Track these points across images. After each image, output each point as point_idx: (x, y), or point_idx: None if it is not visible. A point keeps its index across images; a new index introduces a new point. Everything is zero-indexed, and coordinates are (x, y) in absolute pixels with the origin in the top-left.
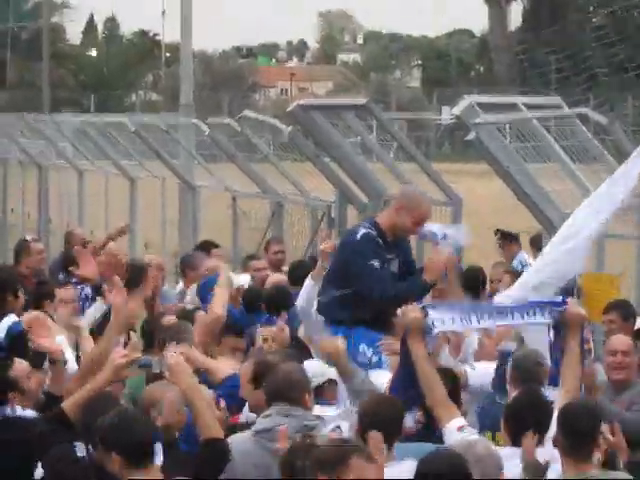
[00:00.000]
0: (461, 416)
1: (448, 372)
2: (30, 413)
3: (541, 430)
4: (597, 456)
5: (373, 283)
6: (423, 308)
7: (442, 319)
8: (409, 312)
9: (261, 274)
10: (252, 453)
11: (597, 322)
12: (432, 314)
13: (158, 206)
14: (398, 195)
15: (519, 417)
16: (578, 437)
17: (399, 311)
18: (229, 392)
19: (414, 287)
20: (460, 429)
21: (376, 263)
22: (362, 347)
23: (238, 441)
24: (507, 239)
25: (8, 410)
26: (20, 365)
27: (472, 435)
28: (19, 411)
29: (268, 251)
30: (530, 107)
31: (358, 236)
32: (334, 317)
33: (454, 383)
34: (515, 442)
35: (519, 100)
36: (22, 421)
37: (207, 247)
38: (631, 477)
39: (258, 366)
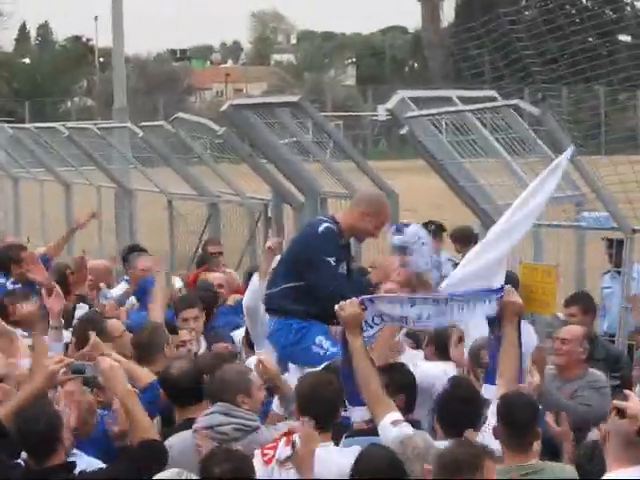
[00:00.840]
0: (396, 411)
1: (404, 369)
2: None
3: (474, 422)
4: (536, 447)
5: (328, 279)
6: (362, 302)
7: (381, 315)
8: (347, 307)
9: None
10: (191, 450)
11: (536, 313)
12: (370, 309)
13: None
14: (364, 199)
15: (450, 411)
16: (517, 427)
17: (337, 306)
18: (150, 400)
19: (361, 287)
20: (394, 423)
21: (332, 260)
22: (318, 339)
23: (178, 440)
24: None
25: None
26: None
27: (407, 429)
28: None
29: (205, 252)
30: (465, 100)
31: (319, 230)
32: (285, 309)
33: (409, 380)
34: (449, 436)
35: (453, 94)
36: None
37: (137, 251)
38: (571, 466)
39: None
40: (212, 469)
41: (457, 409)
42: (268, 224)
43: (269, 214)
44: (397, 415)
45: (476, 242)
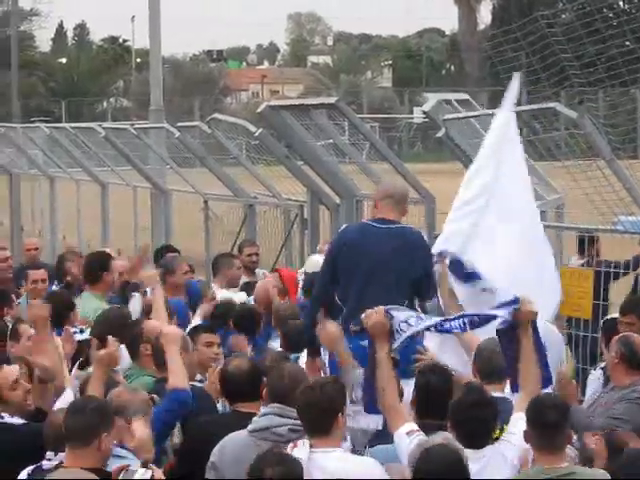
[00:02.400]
0: (411, 422)
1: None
2: (17, 420)
3: (489, 429)
4: (569, 451)
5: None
6: (387, 311)
7: (406, 320)
8: (373, 316)
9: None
10: (246, 451)
11: (571, 316)
12: (397, 316)
13: (130, 211)
14: (401, 198)
15: (466, 417)
16: (547, 429)
17: (363, 315)
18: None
19: None
20: (409, 434)
21: None
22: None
23: (233, 440)
24: None
25: None
26: (5, 373)
27: (421, 437)
28: (7, 418)
29: (242, 253)
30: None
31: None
32: None
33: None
34: (467, 443)
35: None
36: (8, 427)
37: (169, 251)
38: (604, 472)
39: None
40: (264, 471)
41: (471, 415)
42: (304, 225)
43: (305, 215)
44: (413, 426)
45: None
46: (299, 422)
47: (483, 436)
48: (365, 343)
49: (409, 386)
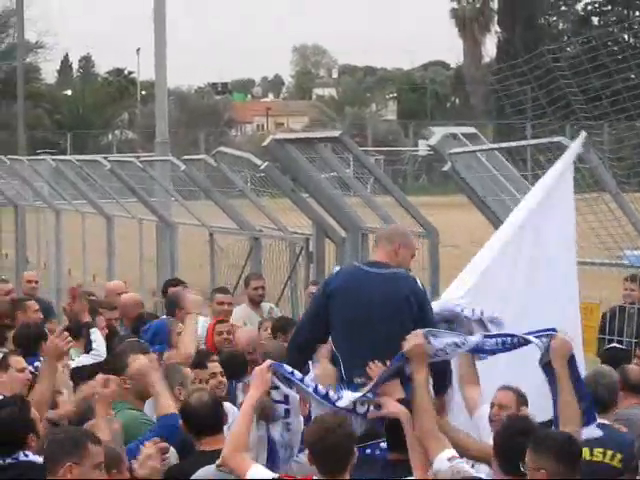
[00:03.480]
0: (451, 448)
1: None
2: (38, 459)
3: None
4: None
5: None
6: (425, 336)
7: (444, 347)
8: (411, 339)
9: (224, 308)
10: None
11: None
12: (433, 342)
13: (135, 244)
14: (392, 235)
15: (511, 445)
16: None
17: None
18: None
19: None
20: (450, 460)
21: None
22: None
23: (201, 474)
24: None
25: (22, 455)
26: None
27: (463, 465)
28: (30, 456)
29: (248, 287)
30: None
31: (421, 286)
32: None
33: None
34: (507, 471)
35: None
36: (33, 466)
37: (176, 284)
38: None
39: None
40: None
41: (516, 442)
42: (310, 259)
43: (310, 249)
44: (453, 452)
45: None
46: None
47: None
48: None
49: None
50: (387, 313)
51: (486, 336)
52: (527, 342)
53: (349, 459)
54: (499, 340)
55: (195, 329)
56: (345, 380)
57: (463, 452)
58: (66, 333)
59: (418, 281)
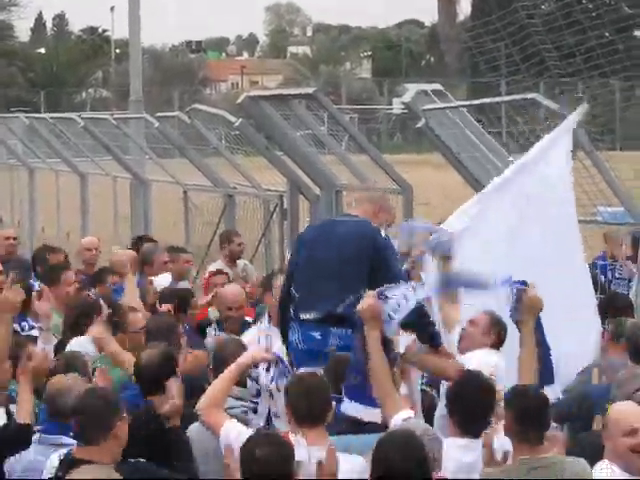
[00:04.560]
0: (408, 409)
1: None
2: None
3: (488, 414)
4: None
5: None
6: (381, 294)
7: (397, 304)
8: (364, 300)
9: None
10: (203, 435)
11: None
12: (390, 301)
13: (110, 202)
14: (370, 198)
15: (465, 404)
16: (528, 419)
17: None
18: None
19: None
20: (406, 420)
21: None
22: None
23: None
24: None
25: None
26: None
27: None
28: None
29: (231, 243)
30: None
31: (384, 235)
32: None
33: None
34: (464, 431)
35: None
36: None
37: (146, 241)
38: (588, 466)
39: None
40: (255, 452)
41: (472, 399)
42: (284, 216)
43: (285, 206)
44: (410, 413)
45: None
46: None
47: (480, 424)
48: (316, 334)
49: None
50: (346, 252)
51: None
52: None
53: (327, 410)
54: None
55: (133, 288)
56: (294, 319)
57: (431, 370)
58: (19, 287)
59: (382, 232)
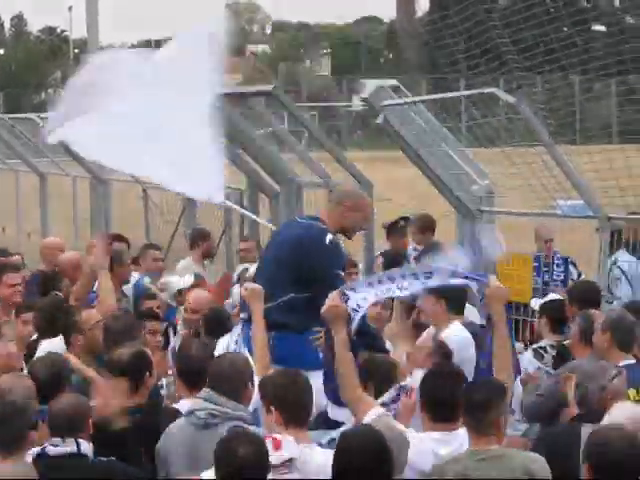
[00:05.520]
0: (378, 407)
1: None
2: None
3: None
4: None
5: None
6: (343, 293)
7: (364, 297)
8: (329, 300)
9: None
10: (180, 434)
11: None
12: (353, 296)
13: (69, 201)
14: (346, 195)
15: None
16: (475, 409)
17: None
18: None
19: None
20: (379, 416)
21: (341, 273)
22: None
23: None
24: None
25: None
26: None
27: (388, 418)
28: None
29: (204, 241)
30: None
31: (326, 241)
32: (279, 321)
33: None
34: (437, 422)
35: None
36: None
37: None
38: (541, 459)
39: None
40: (234, 451)
41: (444, 387)
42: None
43: (244, 203)
44: (379, 410)
45: (433, 230)
46: (222, 409)
47: (450, 414)
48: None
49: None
50: (281, 254)
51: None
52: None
53: (309, 414)
54: (423, 280)
55: (107, 282)
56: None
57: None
58: None
59: (328, 236)
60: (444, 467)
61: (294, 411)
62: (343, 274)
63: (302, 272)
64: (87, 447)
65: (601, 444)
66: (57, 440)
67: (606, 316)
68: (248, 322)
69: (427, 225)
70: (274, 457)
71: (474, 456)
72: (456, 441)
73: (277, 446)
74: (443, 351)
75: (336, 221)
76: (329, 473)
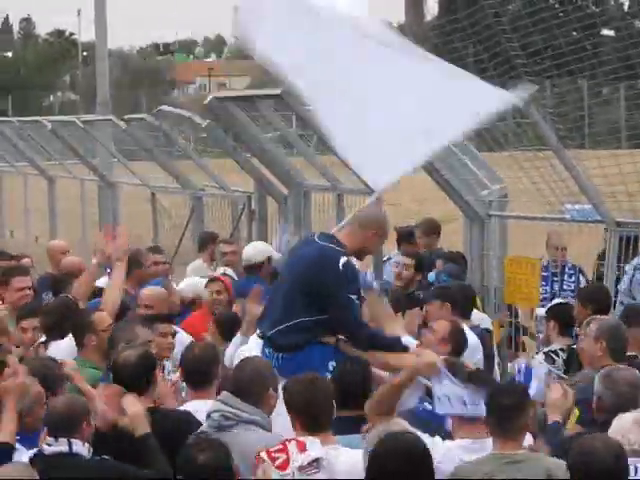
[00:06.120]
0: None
1: None
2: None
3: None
4: (527, 439)
5: (357, 320)
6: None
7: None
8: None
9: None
10: None
11: (519, 306)
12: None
13: (78, 205)
14: (372, 221)
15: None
16: (503, 413)
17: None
18: None
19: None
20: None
21: (356, 298)
22: (331, 364)
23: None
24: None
25: None
26: None
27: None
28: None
29: (214, 244)
30: None
31: (341, 265)
32: (287, 343)
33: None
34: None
35: None
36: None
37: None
38: (563, 464)
39: None
40: (193, 457)
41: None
42: (252, 217)
43: (253, 207)
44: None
45: (439, 234)
46: (235, 411)
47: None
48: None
49: None
50: (291, 274)
51: None
52: None
53: (331, 414)
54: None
55: (120, 276)
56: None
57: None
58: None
59: (342, 260)
60: (468, 468)
61: (312, 416)
62: (358, 297)
63: (313, 295)
64: (81, 447)
65: (586, 453)
66: (51, 440)
67: (600, 324)
68: (262, 338)
69: (432, 229)
70: (301, 458)
71: (499, 459)
72: (483, 450)
73: (302, 448)
74: (458, 338)
75: (357, 244)
76: (357, 473)
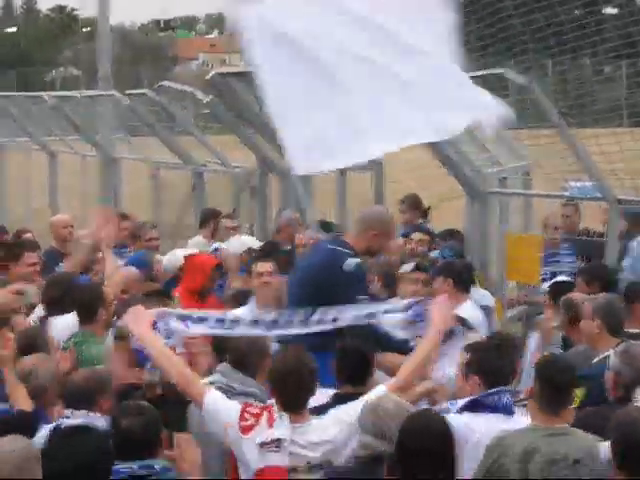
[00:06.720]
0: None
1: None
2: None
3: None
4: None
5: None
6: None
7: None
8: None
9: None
10: None
11: (520, 282)
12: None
13: (79, 180)
14: (375, 221)
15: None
16: (553, 389)
17: None
18: None
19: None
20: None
21: (364, 297)
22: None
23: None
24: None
25: None
26: None
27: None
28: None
29: (215, 220)
30: None
31: (352, 269)
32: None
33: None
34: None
35: None
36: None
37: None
38: (603, 443)
39: None
40: (121, 421)
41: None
42: (253, 193)
43: (254, 183)
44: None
45: (422, 210)
46: (230, 383)
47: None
48: None
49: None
50: (300, 278)
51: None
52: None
53: (309, 394)
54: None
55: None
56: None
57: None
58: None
59: (347, 262)
60: (508, 439)
61: (292, 396)
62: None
63: (321, 300)
64: (97, 419)
65: (629, 423)
66: (68, 412)
67: (594, 303)
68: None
69: (415, 204)
70: (266, 434)
71: (540, 431)
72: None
73: (270, 424)
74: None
75: (363, 245)
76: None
